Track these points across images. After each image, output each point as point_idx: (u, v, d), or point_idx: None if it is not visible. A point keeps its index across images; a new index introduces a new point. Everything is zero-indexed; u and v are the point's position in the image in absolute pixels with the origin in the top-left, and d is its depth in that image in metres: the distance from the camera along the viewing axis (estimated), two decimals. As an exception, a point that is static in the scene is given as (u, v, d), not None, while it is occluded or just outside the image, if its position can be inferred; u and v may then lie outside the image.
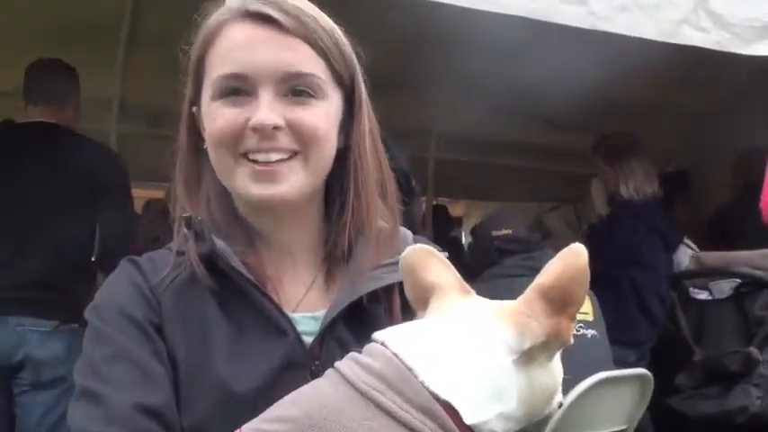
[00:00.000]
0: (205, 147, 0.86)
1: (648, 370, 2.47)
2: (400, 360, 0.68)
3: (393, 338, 0.71)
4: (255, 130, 0.80)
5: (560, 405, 0.76)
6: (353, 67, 0.88)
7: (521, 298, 0.71)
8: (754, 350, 2.74)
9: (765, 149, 3.61)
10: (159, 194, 4.89)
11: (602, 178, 3.33)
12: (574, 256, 0.70)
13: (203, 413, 0.78)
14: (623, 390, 2.38)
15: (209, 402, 0.78)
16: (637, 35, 2.26)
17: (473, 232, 3.00)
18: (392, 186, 0.92)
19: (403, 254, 0.78)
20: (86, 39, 3.16)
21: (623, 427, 2.43)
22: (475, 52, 3.42)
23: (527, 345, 0.68)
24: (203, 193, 0.88)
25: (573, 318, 0.70)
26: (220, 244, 0.82)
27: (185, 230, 0.86)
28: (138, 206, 5.05)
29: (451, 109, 4.13)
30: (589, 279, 0.70)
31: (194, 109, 0.88)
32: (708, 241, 3.66)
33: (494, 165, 4.70)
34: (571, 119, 3.85)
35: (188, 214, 0.86)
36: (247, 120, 0.80)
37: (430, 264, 0.77)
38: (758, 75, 3.03)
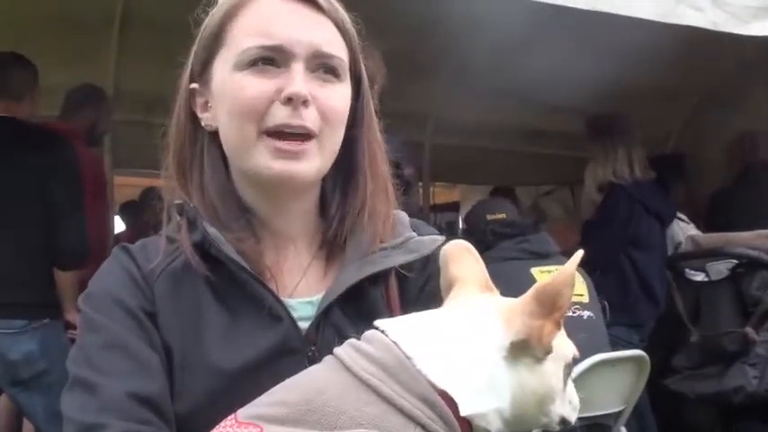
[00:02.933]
0: (204, 125, 0.85)
1: (646, 351, 2.49)
2: (399, 348, 0.68)
3: (393, 327, 0.72)
4: (289, 100, 0.78)
5: (563, 420, 0.74)
6: (360, 60, 0.88)
7: (521, 296, 0.72)
8: (750, 330, 2.76)
9: (763, 132, 3.63)
10: (155, 183, 4.87)
11: (593, 158, 3.31)
12: (571, 262, 0.71)
13: (197, 399, 0.78)
14: (620, 371, 2.40)
15: (203, 388, 0.78)
16: (633, 15, 2.24)
17: (467, 216, 3.00)
18: (390, 177, 0.92)
19: (443, 247, 0.80)
20: (80, 26, 3.13)
21: (621, 407, 2.45)
22: (472, 37, 3.41)
23: (508, 341, 0.68)
24: (197, 178, 0.86)
25: (557, 324, 0.70)
26: (212, 231, 0.81)
27: (178, 217, 0.85)
28: (135, 195, 5.05)
29: (448, 93, 4.12)
30: (574, 283, 0.71)
31: (194, 86, 0.86)
32: (707, 222, 3.67)
33: (490, 149, 4.69)
34: (569, 102, 3.83)
35: (180, 201, 0.85)
36: (278, 91, 0.79)
37: (461, 258, 0.79)
38: (758, 57, 3.02)
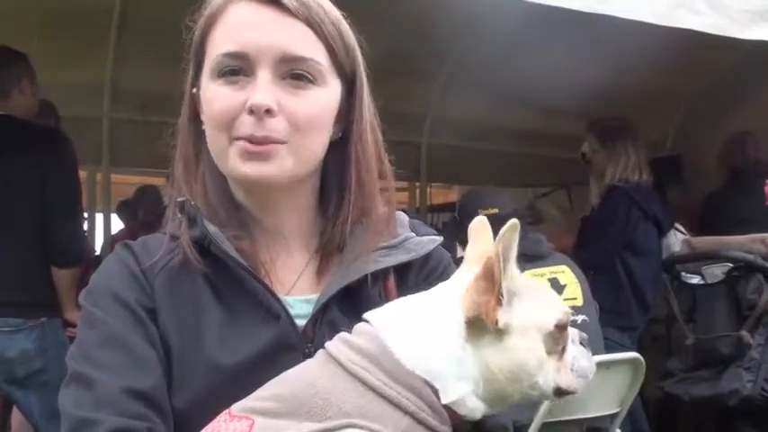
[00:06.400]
0: (203, 128, 0.86)
1: (640, 354, 2.50)
2: (382, 338, 0.70)
3: (378, 317, 0.73)
4: (251, 111, 0.79)
5: (560, 390, 0.73)
6: (356, 58, 0.87)
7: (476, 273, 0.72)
8: (745, 334, 2.77)
9: (753, 135, 3.64)
10: (151, 181, 4.87)
11: (593, 159, 3.30)
12: (506, 232, 0.69)
13: (195, 395, 0.78)
14: (616, 373, 2.40)
15: (201, 383, 0.79)
16: (632, 18, 2.25)
17: (459, 208, 2.92)
18: (391, 177, 0.92)
19: (471, 224, 0.82)
20: (78, 25, 3.13)
21: (616, 410, 2.45)
22: (470, 38, 3.42)
23: (461, 319, 0.69)
24: (201, 177, 0.88)
25: (497, 299, 0.69)
26: (212, 229, 0.82)
27: (179, 215, 0.85)
28: (131, 192, 5.05)
29: (445, 94, 4.12)
30: (512, 252, 0.70)
31: (194, 90, 0.87)
32: (700, 226, 3.67)
33: (487, 150, 4.69)
34: (565, 104, 3.84)
35: (182, 199, 0.85)
36: (245, 101, 0.79)
37: (478, 236, 0.81)
38: (754, 59, 3.03)
